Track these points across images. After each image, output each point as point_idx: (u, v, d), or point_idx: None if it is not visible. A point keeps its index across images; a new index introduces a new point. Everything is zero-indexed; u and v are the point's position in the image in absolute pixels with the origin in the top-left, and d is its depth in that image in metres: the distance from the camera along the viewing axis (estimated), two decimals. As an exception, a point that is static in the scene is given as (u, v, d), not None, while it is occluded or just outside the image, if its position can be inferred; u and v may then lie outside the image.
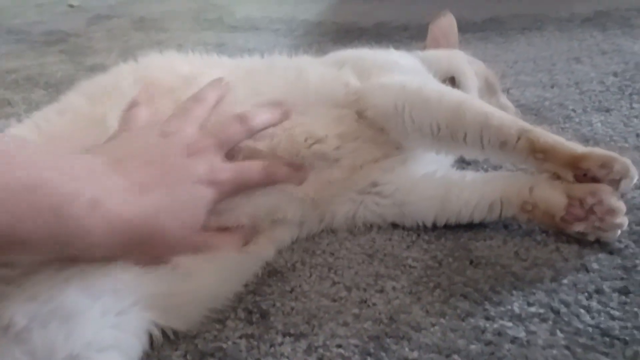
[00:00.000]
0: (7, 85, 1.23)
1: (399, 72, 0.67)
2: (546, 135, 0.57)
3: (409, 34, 1.44)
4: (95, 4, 2.15)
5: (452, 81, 0.70)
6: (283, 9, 1.89)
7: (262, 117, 0.59)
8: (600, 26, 1.33)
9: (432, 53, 0.77)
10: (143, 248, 0.47)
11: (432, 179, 0.63)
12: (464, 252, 0.58)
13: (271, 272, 0.57)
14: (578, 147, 0.57)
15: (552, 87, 1.00)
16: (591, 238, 0.56)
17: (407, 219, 0.63)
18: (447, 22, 0.82)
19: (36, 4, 2.26)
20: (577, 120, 0.86)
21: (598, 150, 0.56)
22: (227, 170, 0.54)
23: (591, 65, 1.08)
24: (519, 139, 0.57)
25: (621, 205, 0.55)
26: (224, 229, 0.56)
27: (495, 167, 0.74)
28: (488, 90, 0.76)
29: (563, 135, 0.80)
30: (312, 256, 0.60)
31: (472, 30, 1.41)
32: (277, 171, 0.58)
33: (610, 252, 0.56)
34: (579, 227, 0.56)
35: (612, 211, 0.55)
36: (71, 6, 2.18)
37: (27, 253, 0.42)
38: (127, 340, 0.46)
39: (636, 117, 0.84)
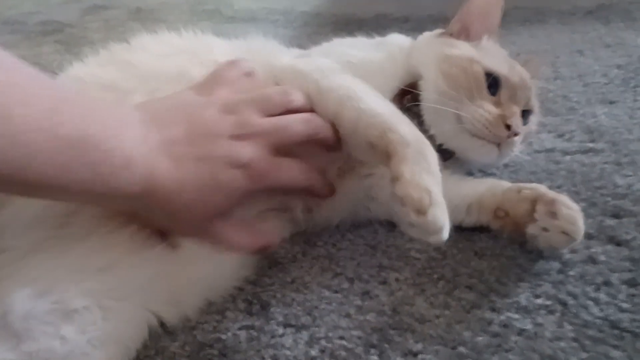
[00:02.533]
0: (2, 74, 1.21)
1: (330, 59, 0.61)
2: (402, 141, 0.47)
3: (410, 25, 1.42)
4: (92, -5, 2.13)
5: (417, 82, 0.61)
6: (281, 0, 1.87)
7: (324, 124, 0.53)
8: (602, 19, 1.31)
9: (419, 45, 0.66)
10: (160, 214, 0.46)
11: None
12: (468, 243, 0.57)
13: (271, 263, 0.56)
14: (407, 166, 0.45)
15: (556, 79, 0.98)
16: (544, 241, 0.52)
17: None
18: (483, 3, 0.66)
19: (32, -6, 2.24)
20: (581, 112, 0.85)
21: (420, 180, 0.44)
22: (268, 163, 0.49)
23: (594, 58, 1.07)
24: (382, 138, 0.48)
25: (567, 210, 0.51)
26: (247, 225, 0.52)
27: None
28: (508, 97, 0.60)
29: (568, 126, 0.80)
30: (314, 247, 0.58)
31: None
32: (316, 181, 0.54)
33: (618, 244, 0.55)
34: (531, 229, 0.53)
35: (550, 213, 0.51)
36: (67, -4, 2.15)
37: (66, 200, 0.46)
38: (123, 332, 0.45)
39: (640, 109, 0.84)
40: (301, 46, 0.83)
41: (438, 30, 0.68)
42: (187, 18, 1.70)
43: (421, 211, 0.42)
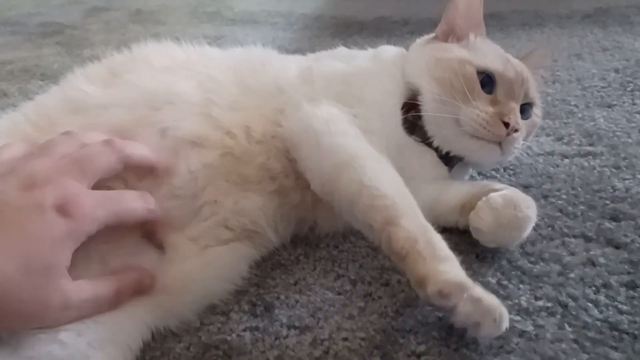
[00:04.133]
0: (3, 76, 1.21)
1: (340, 97, 0.58)
2: (408, 237, 0.45)
3: (409, 28, 1.43)
4: (92, -4, 2.13)
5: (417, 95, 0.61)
6: (281, 2, 1.87)
7: (137, 148, 0.49)
8: (600, 23, 1.33)
9: (411, 57, 0.65)
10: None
11: (421, 187, 0.59)
12: (469, 246, 0.57)
13: (275, 265, 0.57)
14: (429, 266, 0.43)
15: (554, 82, 0.99)
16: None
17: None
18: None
19: (31, -5, 2.24)
20: (579, 115, 0.85)
21: (447, 276, 0.43)
22: (86, 195, 0.43)
23: (592, 62, 1.08)
24: (383, 229, 0.47)
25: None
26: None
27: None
28: (505, 94, 0.60)
29: (567, 130, 0.81)
30: (316, 249, 0.59)
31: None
32: (157, 210, 0.49)
33: (617, 247, 0.56)
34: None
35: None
36: (67, -2, 2.16)
37: None
38: (122, 334, 0.45)
39: (638, 112, 0.84)
40: (301, 49, 0.83)
41: (430, 35, 0.68)
42: (188, 20, 1.70)
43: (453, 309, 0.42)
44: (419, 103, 0.60)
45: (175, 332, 0.48)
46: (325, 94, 0.58)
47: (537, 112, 0.66)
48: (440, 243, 0.46)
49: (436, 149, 0.61)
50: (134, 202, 0.47)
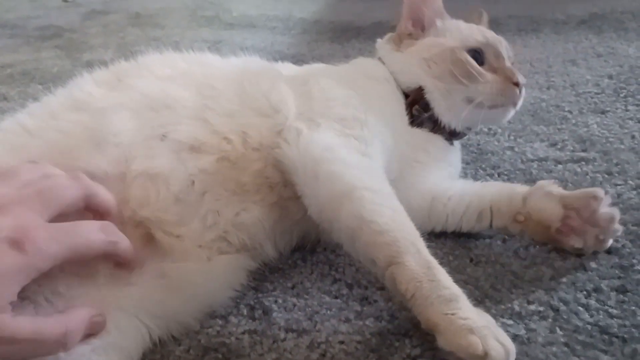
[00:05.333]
0: (3, 79, 1.22)
1: (339, 117, 0.58)
2: (412, 278, 0.44)
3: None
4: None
5: (420, 90, 0.65)
6: (280, 6, 1.89)
7: (101, 189, 0.47)
8: (595, 29, 1.34)
9: (397, 64, 0.67)
10: None
11: (418, 189, 0.62)
12: (463, 250, 0.59)
13: (273, 269, 0.58)
14: (437, 313, 0.43)
15: (549, 88, 1.01)
16: (587, 252, 0.56)
17: None
18: None
19: (30, -2, 2.25)
20: (573, 121, 0.87)
21: (455, 321, 0.42)
22: (42, 228, 0.41)
23: (587, 68, 1.09)
24: (387, 267, 0.46)
25: (616, 212, 0.55)
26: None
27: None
28: (496, 58, 0.66)
29: (560, 136, 0.82)
30: (313, 253, 0.60)
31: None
32: (121, 242, 0.46)
33: (608, 252, 0.57)
34: (576, 243, 0.56)
35: (611, 218, 0.55)
36: (65, 1, 2.16)
37: None
38: (124, 341, 0.46)
39: (631, 119, 0.86)
40: (299, 53, 0.84)
41: (387, 36, 0.72)
42: (186, 24, 1.71)
43: (482, 357, 0.40)
44: (424, 98, 0.65)
45: (175, 336, 0.49)
46: (325, 115, 0.57)
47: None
48: (445, 281, 0.44)
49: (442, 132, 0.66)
50: (93, 235, 0.44)
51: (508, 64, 0.66)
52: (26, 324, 0.40)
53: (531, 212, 0.57)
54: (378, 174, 0.54)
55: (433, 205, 0.61)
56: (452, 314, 0.42)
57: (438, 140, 0.66)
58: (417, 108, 0.65)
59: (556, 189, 0.58)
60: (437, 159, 0.65)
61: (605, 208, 0.55)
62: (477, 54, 0.65)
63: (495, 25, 1.44)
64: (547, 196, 0.57)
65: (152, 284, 0.49)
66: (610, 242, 0.56)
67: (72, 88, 0.59)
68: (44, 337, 0.40)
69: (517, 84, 0.64)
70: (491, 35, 0.69)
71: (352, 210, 0.48)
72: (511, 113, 0.67)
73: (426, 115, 0.65)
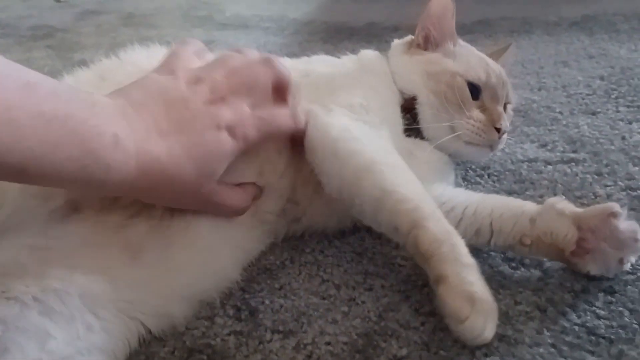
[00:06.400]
0: (-7, 79, 1.21)
1: (348, 104, 0.60)
2: (434, 240, 0.47)
3: (400, 34, 1.43)
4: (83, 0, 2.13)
5: (413, 100, 0.65)
6: (273, 7, 1.88)
7: (282, 64, 0.54)
8: (587, 30, 1.34)
9: (400, 66, 0.68)
10: (158, 191, 0.46)
11: (433, 185, 0.61)
12: (452, 251, 0.58)
13: (261, 270, 0.57)
14: (450, 269, 0.45)
15: (540, 89, 1.01)
16: (610, 275, 0.52)
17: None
18: (438, 6, 0.68)
19: (23, -2, 2.23)
20: (564, 122, 0.87)
21: (464, 282, 0.45)
22: (250, 118, 0.50)
23: (578, 69, 1.09)
24: (409, 232, 0.48)
25: (636, 226, 0.51)
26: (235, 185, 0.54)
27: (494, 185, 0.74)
28: (490, 99, 0.65)
29: (551, 137, 0.82)
30: (302, 254, 0.60)
31: (460, 33, 1.39)
32: (301, 120, 0.55)
33: (596, 252, 0.56)
34: (593, 269, 0.51)
35: (634, 235, 0.50)
36: (58, 1, 2.15)
37: (56, 185, 0.43)
38: (109, 342, 0.45)
39: (622, 120, 0.86)
40: (292, 54, 0.84)
41: (407, 38, 0.72)
42: (179, 24, 1.71)
43: (460, 321, 0.43)
44: (415, 108, 0.65)
45: (160, 337, 0.49)
46: (334, 102, 0.59)
47: (513, 103, 0.73)
48: (463, 249, 0.47)
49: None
50: (285, 123, 0.53)
51: (500, 108, 0.65)
52: (227, 190, 0.52)
53: (541, 236, 0.53)
54: (393, 152, 0.56)
55: None
56: (464, 276, 0.45)
57: (433, 153, 0.65)
58: (407, 116, 0.65)
59: (568, 206, 0.54)
60: (428, 162, 0.64)
61: (624, 224, 0.51)
62: (475, 88, 0.64)
63: (487, 26, 1.45)
64: (558, 216, 0.53)
65: (150, 273, 0.49)
66: (632, 261, 0.52)
67: None
68: (241, 204, 0.54)
69: (498, 130, 0.63)
70: (497, 75, 0.67)
71: (374, 183, 0.51)
72: (487, 155, 0.68)
73: (414, 126, 0.64)
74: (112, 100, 0.44)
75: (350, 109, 0.59)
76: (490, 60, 0.70)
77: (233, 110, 0.49)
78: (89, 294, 0.45)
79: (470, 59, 0.68)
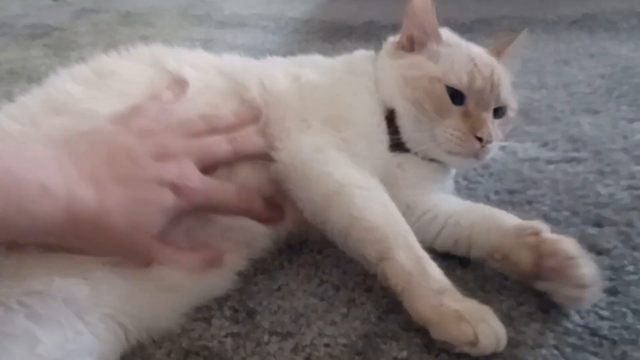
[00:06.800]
0: (-11, 78, 1.20)
1: (327, 118, 0.57)
2: (402, 272, 0.46)
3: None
4: (81, -2, 2.12)
5: (392, 113, 0.61)
6: (271, 6, 1.88)
7: (254, 141, 0.54)
8: (587, 29, 1.34)
9: (382, 73, 0.63)
10: (90, 241, 0.45)
11: (394, 194, 0.56)
12: (453, 251, 0.58)
13: (258, 271, 0.56)
14: (424, 305, 0.45)
15: (541, 88, 1.00)
16: (557, 299, 0.49)
17: None
18: (417, 6, 0.62)
19: (20, -4, 2.22)
20: (565, 121, 0.86)
21: (445, 312, 0.44)
22: (197, 181, 0.49)
23: (579, 68, 1.09)
24: (378, 263, 0.48)
25: (584, 264, 0.47)
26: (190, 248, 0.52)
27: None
28: (475, 105, 0.58)
29: (552, 136, 0.81)
30: (300, 254, 0.59)
31: (460, 31, 1.39)
32: (253, 205, 0.54)
33: (599, 253, 0.56)
34: (541, 286, 0.50)
35: (570, 263, 0.47)
36: None
37: None
38: (98, 345, 0.44)
39: (623, 119, 0.85)
40: (290, 52, 0.83)
41: (397, 37, 0.66)
42: (177, 23, 1.70)
43: (472, 344, 0.43)
44: (394, 122, 0.60)
45: (156, 339, 0.48)
46: (315, 115, 0.57)
47: (512, 106, 0.64)
48: (435, 274, 0.47)
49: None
50: (232, 198, 0.52)
51: (485, 115, 0.58)
52: (166, 250, 0.49)
53: (508, 253, 0.52)
54: (367, 172, 0.54)
55: (406, 214, 0.56)
56: (441, 305, 0.44)
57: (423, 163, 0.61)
58: (390, 130, 0.60)
59: (533, 236, 0.51)
60: (418, 174, 0.61)
61: (588, 275, 0.47)
62: (457, 93, 0.58)
63: (487, 25, 1.45)
64: (521, 241, 0.51)
65: (137, 284, 0.47)
66: (580, 296, 0.48)
67: (48, 88, 0.57)
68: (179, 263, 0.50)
69: (480, 139, 0.57)
70: (484, 77, 0.59)
71: (342, 208, 0.50)
72: (473, 164, 0.64)
73: (396, 140, 0.60)
74: (49, 150, 0.45)
75: (331, 124, 0.57)
76: (482, 60, 0.61)
77: (180, 169, 0.48)
78: (72, 298, 0.44)
79: (455, 60, 0.60)
